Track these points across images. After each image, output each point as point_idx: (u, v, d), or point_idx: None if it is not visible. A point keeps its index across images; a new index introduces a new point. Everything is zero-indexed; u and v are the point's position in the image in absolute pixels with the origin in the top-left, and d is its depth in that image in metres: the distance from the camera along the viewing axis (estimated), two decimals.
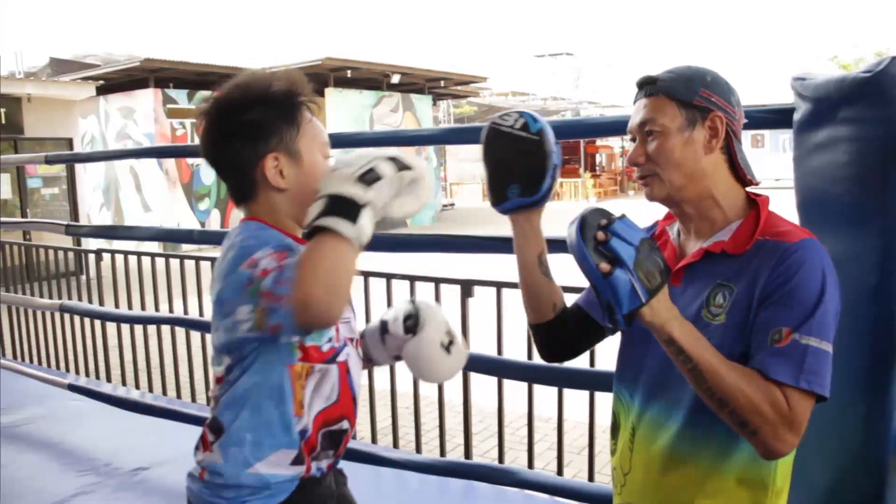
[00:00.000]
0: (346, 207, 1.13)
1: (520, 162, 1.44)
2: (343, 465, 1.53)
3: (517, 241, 1.49)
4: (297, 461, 1.35)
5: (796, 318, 1.18)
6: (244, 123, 1.34)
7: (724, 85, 1.32)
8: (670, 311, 1.19)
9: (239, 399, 1.33)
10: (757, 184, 1.34)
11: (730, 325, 1.25)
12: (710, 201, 1.32)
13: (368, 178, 1.16)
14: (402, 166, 1.19)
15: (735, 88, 1.34)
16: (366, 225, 1.14)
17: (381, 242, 3.00)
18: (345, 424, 1.41)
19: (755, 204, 1.34)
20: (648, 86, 1.34)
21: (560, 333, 1.53)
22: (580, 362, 2.54)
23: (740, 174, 1.33)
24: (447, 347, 1.49)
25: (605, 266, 1.16)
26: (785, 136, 26.84)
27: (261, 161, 1.34)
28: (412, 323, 1.48)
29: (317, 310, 1.12)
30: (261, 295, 1.18)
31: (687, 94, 1.30)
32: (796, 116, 1.67)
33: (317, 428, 1.36)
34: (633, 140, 1.36)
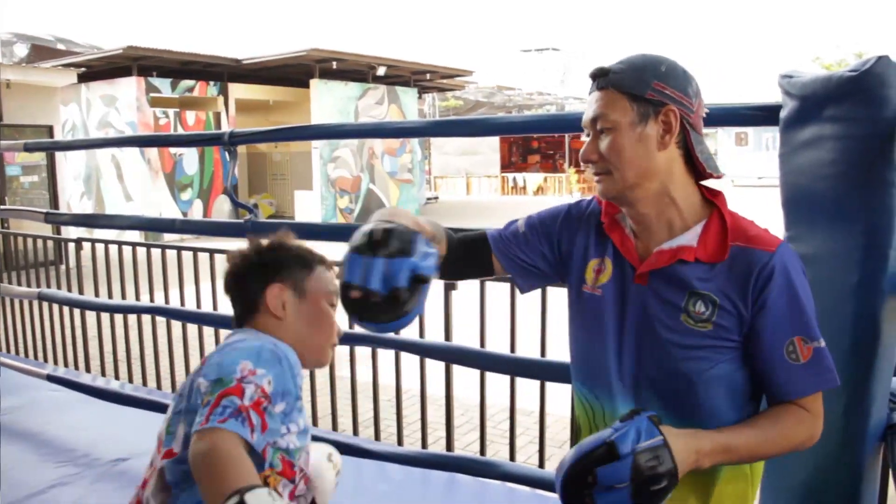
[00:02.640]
0: None
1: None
2: None
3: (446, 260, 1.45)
4: None
5: (804, 328, 1.22)
6: (264, 261, 1.50)
7: (681, 75, 1.26)
8: (695, 454, 1.16)
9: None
10: (720, 177, 1.29)
11: (716, 334, 1.23)
12: (665, 199, 1.27)
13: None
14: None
15: (693, 77, 1.28)
16: None
17: None
18: None
19: (713, 203, 1.29)
20: (601, 78, 1.28)
21: (449, 263, 1.44)
22: (565, 356, 2.55)
23: (699, 169, 1.28)
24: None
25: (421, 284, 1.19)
26: (769, 135, 27.01)
27: (267, 287, 1.46)
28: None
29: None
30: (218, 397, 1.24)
31: (639, 88, 1.24)
32: (783, 114, 1.67)
33: None
34: (588, 135, 1.31)
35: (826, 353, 1.23)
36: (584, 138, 1.33)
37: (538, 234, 1.46)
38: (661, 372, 1.27)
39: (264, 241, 1.55)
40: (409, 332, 3.02)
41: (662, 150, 1.25)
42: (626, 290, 1.32)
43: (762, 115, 1.83)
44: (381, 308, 1.19)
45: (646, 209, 1.29)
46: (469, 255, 1.49)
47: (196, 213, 16.05)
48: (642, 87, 1.24)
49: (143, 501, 1.37)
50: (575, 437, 1.46)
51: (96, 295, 4.51)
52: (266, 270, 1.49)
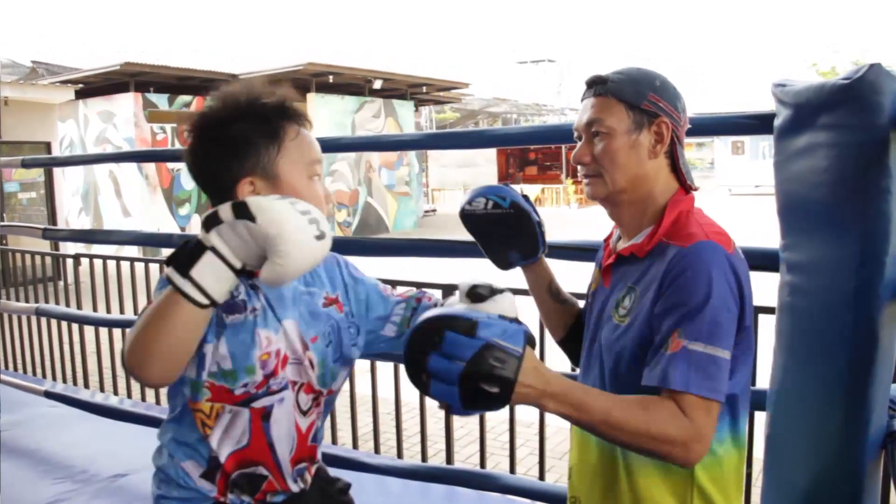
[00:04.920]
0: (183, 256, 1.04)
1: (508, 234, 1.53)
2: None
3: (529, 282, 1.62)
4: (208, 478, 1.35)
5: (682, 323, 1.18)
6: (224, 140, 1.27)
7: (672, 90, 1.34)
8: (541, 386, 1.07)
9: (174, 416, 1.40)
10: (695, 190, 1.37)
11: (631, 326, 1.28)
12: (644, 204, 1.34)
13: (210, 220, 1.05)
14: (244, 214, 1.02)
15: (681, 94, 1.36)
16: (205, 279, 1.03)
17: (363, 246, 2.99)
18: (260, 470, 1.36)
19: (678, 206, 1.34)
20: (598, 85, 1.34)
21: (576, 346, 1.56)
22: (564, 367, 2.55)
23: (681, 179, 1.35)
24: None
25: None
26: (765, 143, 27.09)
27: (236, 185, 1.27)
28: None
29: (130, 369, 1.12)
30: None
31: (635, 98, 1.30)
32: (777, 122, 1.68)
33: (230, 466, 1.34)
34: (580, 139, 1.37)
35: (710, 359, 1.16)
36: (576, 140, 1.39)
37: None
38: (611, 370, 1.32)
39: (218, 103, 1.32)
40: None
41: (653, 158, 1.32)
42: (599, 294, 1.42)
43: (756, 124, 1.84)
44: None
45: (625, 213, 1.36)
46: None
47: (194, 227, 16.04)
48: (639, 97, 1.30)
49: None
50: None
51: (95, 310, 4.50)
52: (228, 159, 1.27)
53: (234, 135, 1.27)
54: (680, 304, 1.19)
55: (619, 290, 1.34)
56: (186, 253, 1.04)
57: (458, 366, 1.00)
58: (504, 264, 1.58)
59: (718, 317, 1.18)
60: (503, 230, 1.53)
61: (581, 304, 1.63)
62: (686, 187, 1.35)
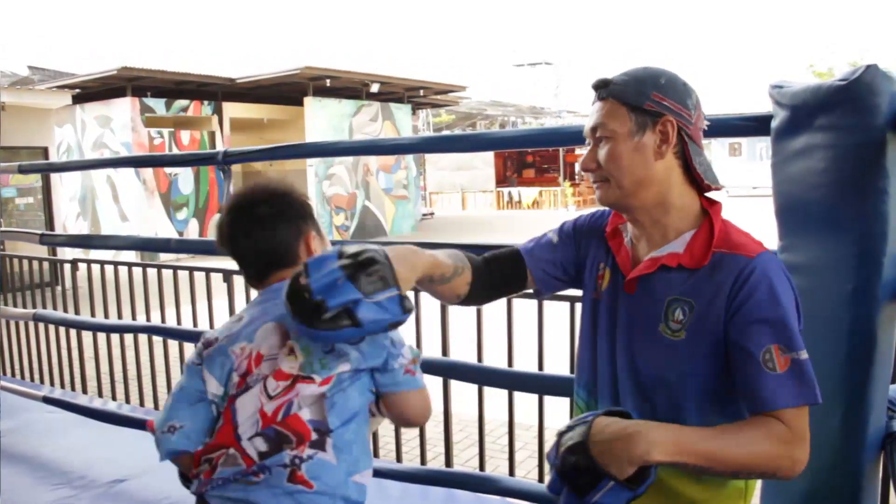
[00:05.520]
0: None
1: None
2: None
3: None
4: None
5: (782, 336, 1.18)
6: (287, 206, 1.50)
7: (681, 87, 1.29)
8: (626, 439, 1.12)
9: None
10: (719, 189, 1.32)
11: (690, 341, 1.25)
12: (662, 208, 1.30)
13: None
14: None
15: (693, 90, 1.31)
16: None
17: None
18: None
19: (709, 213, 1.31)
20: (602, 89, 1.32)
21: (478, 288, 1.48)
22: (563, 370, 2.55)
23: (697, 180, 1.31)
24: None
25: (346, 322, 1.18)
26: (762, 145, 27.13)
27: (307, 236, 1.50)
28: None
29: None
30: None
31: (637, 99, 1.27)
32: (774, 124, 1.68)
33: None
34: (588, 144, 1.35)
35: (807, 365, 1.18)
36: (586, 146, 1.36)
37: (569, 241, 1.51)
38: (644, 378, 1.29)
39: (275, 189, 1.54)
40: None
41: (659, 159, 1.28)
42: (618, 298, 1.36)
43: (753, 126, 1.84)
44: (313, 315, 1.18)
45: (642, 217, 1.32)
46: (502, 274, 1.51)
47: (192, 232, 16.03)
48: (641, 97, 1.28)
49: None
50: None
51: (92, 315, 4.49)
52: (297, 219, 1.50)
53: (294, 202, 1.52)
54: (773, 319, 1.19)
55: (660, 301, 1.28)
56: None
57: (554, 463, 1.19)
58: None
59: (796, 323, 1.21)
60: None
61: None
62: (704, 187, 1.31)
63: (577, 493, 1.13)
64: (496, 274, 1.50)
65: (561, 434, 1.19)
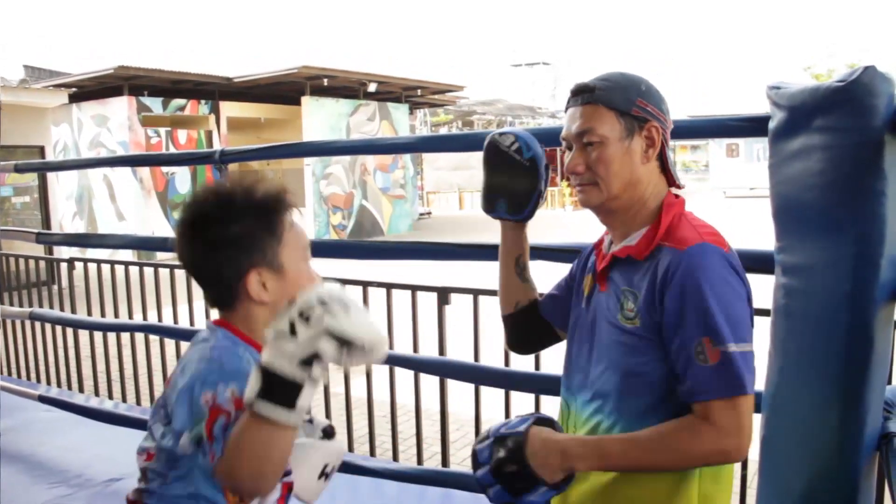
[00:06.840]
0: (285, 391, 1.05)
1: (510, 181, 1.52)
2: None
3: (502, 242, 1.60)
4: None
5: (709, 329, 1.21)
6: (226, 238, 1.29)
7: (657, 94, 1.36)
8: (556, 453, 1.28)
9: (172, 499, 1.30)
10: (681, 187, 1.40)
11: (642, 327, 1.29)
12: (637, 207, 1.36)
13: (311, 360, 1.05)
14: (344, 341, 1.04)
15: (664, 96, 1.38)
16: (304, 404, 1.07)
17: (358, 250, 2.99)
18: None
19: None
20: (585, 94, 1.35)
21: (522, 329, 1.63)
22: (559, 370, 2.54)
23: (668, 178, 1.38)
24: (325, 474, 1.46)
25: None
26: (759, 146, 27.17)
27: (244, 276, 1.30)
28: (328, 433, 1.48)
29: (243, 490, 1.19)
30: (206, 434, 1.18)
31: (624, 104, 1.32)
32: (772, 125, 1.68)
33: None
34: (569, 148, 1.38)
35: (737, 358, 1.21)
36: (567, 151, 1.40)
37: (571, 281, 1.59)
38: (612, 371, 1.33)
39: (212, 206, 1.33)
40: (404, 347, 3.01)
41: (646, 163, 1.34)
42: (595, 298, 1.42)
43: (751, 126, 1.84)
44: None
45: (620, 217, 1.38)
46: (540, 328, 1.64)
47: None
48: (628, 103, 1.32)
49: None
50: None
51: (89, 314, 4.49)
52: (236, 254, 1.29)
53: (237, 232, 1.29)
54: (699, 312, 1.21)
55: (620, 292, 1.34)
56: (285, 391, 1.05)
57: (486, 468, 1.32)
58: (488, 207, 1.58)
59: (737, 313, 1.23)
60: (508, 175, 1.53)
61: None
62: (674, 185, 1.38)
63: (511, 493, 1.29)
64: (534, 324, 1.64)
65: (498, 440, 1.32)
